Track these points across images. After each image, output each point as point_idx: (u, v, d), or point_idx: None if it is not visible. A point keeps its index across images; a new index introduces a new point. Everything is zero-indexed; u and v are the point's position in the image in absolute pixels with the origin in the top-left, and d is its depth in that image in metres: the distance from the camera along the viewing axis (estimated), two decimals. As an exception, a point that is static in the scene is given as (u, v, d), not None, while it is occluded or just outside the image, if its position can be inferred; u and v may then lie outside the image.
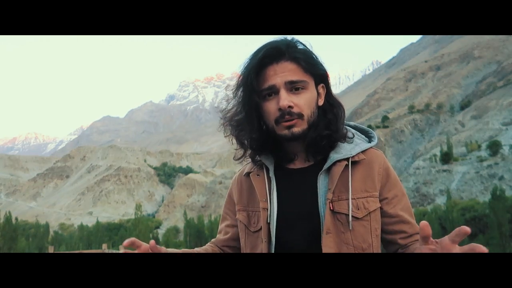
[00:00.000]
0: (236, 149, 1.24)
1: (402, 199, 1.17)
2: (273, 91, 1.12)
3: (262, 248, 1.15)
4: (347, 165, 1.14)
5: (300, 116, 1.11)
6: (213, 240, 1.36)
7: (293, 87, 1.11)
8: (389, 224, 1.15)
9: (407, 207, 1.17)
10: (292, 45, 1.14)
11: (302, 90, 1.12)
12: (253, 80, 1.12)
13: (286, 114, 1.10)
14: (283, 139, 1.15)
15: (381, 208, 1.15)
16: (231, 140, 1.23)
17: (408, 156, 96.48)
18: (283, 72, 1.11)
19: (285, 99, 1.10)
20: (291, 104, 1.10)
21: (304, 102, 1.12)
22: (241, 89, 1.16)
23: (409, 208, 1.18)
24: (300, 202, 1.14)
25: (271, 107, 1.13)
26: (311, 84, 1.14)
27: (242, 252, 1.25)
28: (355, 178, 1.13)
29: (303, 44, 1.16)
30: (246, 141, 1.21)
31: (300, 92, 1.12)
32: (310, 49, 1.16)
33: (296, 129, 1.12)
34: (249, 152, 1.23)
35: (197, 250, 1.29)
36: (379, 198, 1.15)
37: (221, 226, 1.35)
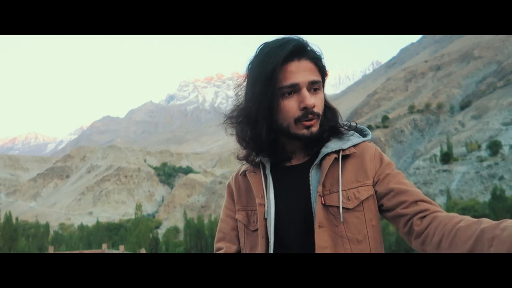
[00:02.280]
0: (241, 147, 1.22)
1: (395, 176, 1.13)
2: (294, 90, 1.10)
3: (259, 245, 1.14)
4: (336, 158, 1.14)
5: (318, 116, 1.13)
6: (224, 250, 1.28)
7: (313, 87, 1.12)
8: (387, 202, 1.11)
9: (402, 181, 1.12)
10: (307, 43, 1.13)
11: (319, 91, 1.13)
12: (278, 74, 1.08)
13: (309, 113, 1.10)
14: (299, 138, 1.14)
15: (376, 192, 1.12)
16: (232, 134, 1.22)
17: (408, 156, 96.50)
18: (305, 71, 1.10)
19: (309, 98, 1.09)
20: (314, 104, 1.11)
21: (321, 102, 1.13)
22: (258, 84, 1.11)
23: (406, 181, 1.13)
24: (295, 197, 1.14)
25: (291, 105, 1.10)
26: (322, 85, 1.16)
27: (241, 251, 1.24)
28: (346, 170, 1.13)
29: (310, 46, 1.16)
30: (248, 138, 1.18)
31: (317, 93, 1.13)
32: (319, 51, 1.17)
33: (314, 129, 1.12)
34: (246, 151, 1.21)
35: None
36: (374, 184, 1.13)
37: (225, 232, 1.28)
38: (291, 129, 1.12)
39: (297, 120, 1.11)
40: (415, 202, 1.07)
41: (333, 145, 1.17)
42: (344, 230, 1.08)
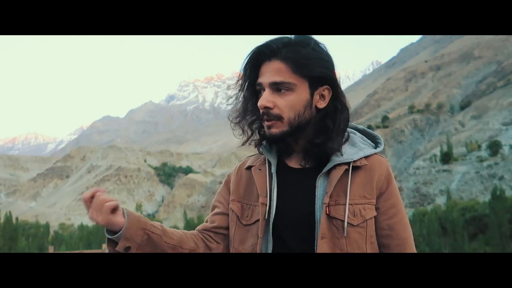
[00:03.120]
0: (240, 135, 1.24)
1: (400, 211, 1.14)
2: (262, 89, 1.14)
3: (257, 244, 1.13)
4: (347, 169, 1.11)
5: (278, 117, 1.10)
6: (197, 227, 1.30)
7: (277, 88, 1.11)
8: (380, 238, 1.12)
9: (404, 221, 1.14)
10: (292, 43, 1.12)
11: (287, 92, 1.10)
12: (245, 74, 1.16)
13: (264, 114, 1.12)
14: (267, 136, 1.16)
15: (376, 219, 1.12)
16: (232, 126, 1.24)
17: (408, 156, 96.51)
18: (270, 72, 1.11)
19: (264, 99, 1.10)
20: (269, 105, 1.10)
21: (286, 104, 1.10)
22: (240, 83, 1.20)
23: (407, 222, 1.15)
24: (298, 202, 1.13)
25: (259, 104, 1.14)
26: (301, 86, 1.11)
27: (230, 243, 1.23)
28: (354, 183, 1.11)
29: (309, 45, 1.12)
30: (248, 129, 1.22)
31: (283, 94, 1.10)
32: (320, 50, 1.13)
33: (273, 130, 1.11)
34: (255, 137, 1.22)
35: (172, 232, 1.17)
36: (375, 206, 1.13)
37: (211, 215, 1.30)
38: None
39: (262, 119, 1.15)
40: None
41: (344, 153, 1.14)
42: (345, 244, 1.08)
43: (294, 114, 1.11)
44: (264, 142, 1.21)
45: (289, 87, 1.10)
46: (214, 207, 1.30)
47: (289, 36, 1.14)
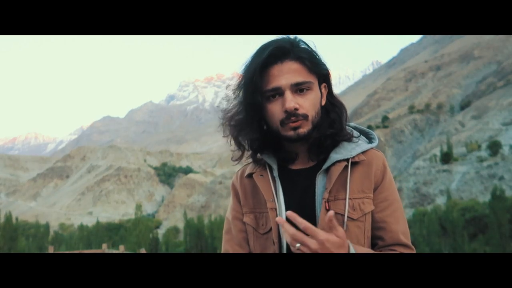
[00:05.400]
0: (233, 150, 1.22)
1: (392, 204, 1.14)
2: (278, 93, 1.10)
3: (274, 250, 1.13)
4: (346, 166, 1.13)
5: (305, 117, 1.10)
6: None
7: (298, 88, 1.10)
8: (373, 229, 1.13)
9: (396, 214, 1.14)
10: (296, 44, 1.12)
11: (307, 91, 1.11)
12: (258, 80, 1.09)
13: (292, 115, 1.09)
14: (288, 140, 1.14)
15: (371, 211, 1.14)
16: (229, 140, 1.21)
17: (408, 156, 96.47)
18: (288, 73, 1.09)
19: (291, 100, 1.08)
20: (297, 106, 1.08)
21: (309, 103, 1.11)
22: (243, 89, 1.14)
23: (400, 215, 1.14)
24: (301, 202, 1.13)
25: (275, 108, 1.11)
26: (315, 84, 1.13)
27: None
28: (353, 179, 1.12)
29: (306, 44, 1.14)
30: (245, 142, 1.19)
31: (305, 93, 1.10)
32: (314, 49, 1.14)
33: (301, 130, 1.10)
34: (248, 153, 1.21)
35: None
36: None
37: (232, 234, 1.25)
38: (280, 131, 1.13)
39: (282, 123, 1.11)
40: (390, 245, 1.12)
41: (342, 150, 1.15)
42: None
43: (315, 112, 1.12)
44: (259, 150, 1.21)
45: (309, 86, 1.11)
46: (234, 224, 1.26)
47: (286, 36, 1.13)
